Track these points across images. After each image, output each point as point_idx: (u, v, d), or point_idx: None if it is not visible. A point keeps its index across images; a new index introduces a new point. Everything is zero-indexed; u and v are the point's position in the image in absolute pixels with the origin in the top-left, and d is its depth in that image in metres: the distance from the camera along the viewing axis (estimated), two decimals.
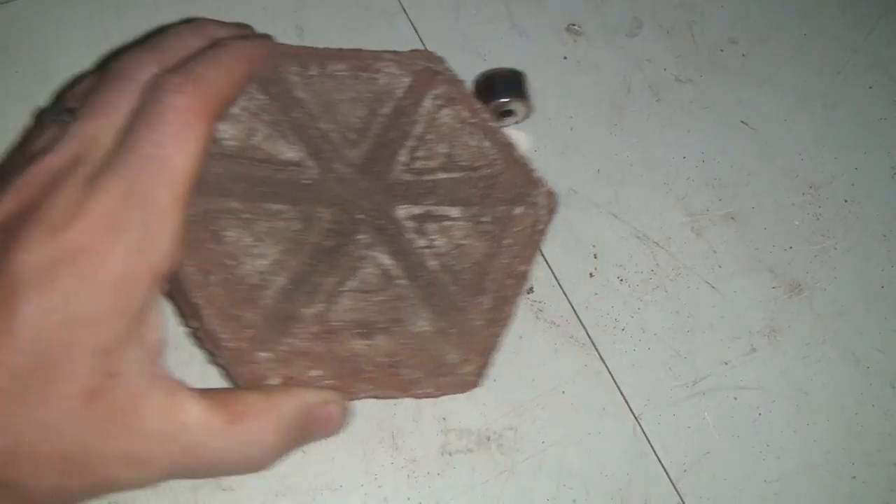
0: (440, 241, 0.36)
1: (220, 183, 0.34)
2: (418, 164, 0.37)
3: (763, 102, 0.50)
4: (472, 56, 0.48)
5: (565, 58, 0.49)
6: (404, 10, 0.49)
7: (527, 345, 0.42)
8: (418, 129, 0.38)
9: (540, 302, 0.43)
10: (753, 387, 0.43)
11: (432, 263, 0.36)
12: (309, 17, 0.48)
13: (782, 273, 0.46)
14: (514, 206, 0.38)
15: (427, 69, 0.39)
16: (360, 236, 0.35)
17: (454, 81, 0.39)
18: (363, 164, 0.37)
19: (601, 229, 0.45)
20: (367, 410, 0.39)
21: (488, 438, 0.40)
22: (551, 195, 0.38)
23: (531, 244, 0.37)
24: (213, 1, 0.47)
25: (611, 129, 0.47)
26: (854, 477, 0.42)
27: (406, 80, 0.38)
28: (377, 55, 0.38)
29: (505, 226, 0.37)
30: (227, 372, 0.32)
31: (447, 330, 0.35)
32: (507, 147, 0.39)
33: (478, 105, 0.39)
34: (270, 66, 0.36)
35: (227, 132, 0.35)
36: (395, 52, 0.39)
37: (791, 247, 0.46)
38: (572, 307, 0.43)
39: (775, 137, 0.49)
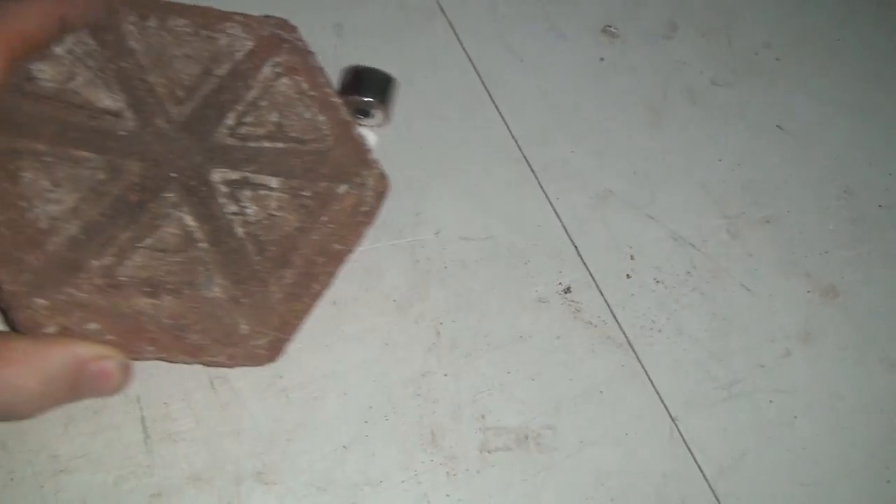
0: (252, 210, 0.35)
1: (27, 123, 0.33)
2: (244, 130, 0.37)
3: (797, 107, 0.50)
4: (510, 56, 0.48)
5: (602, 59, 0.49)
6: (442, 10, 0.49)
7: (564, 345, 0.42)
8: (252, 95, 0.37)
9: (577, 302, 0.43)
10: (789, 390, 0.43)
11: (239, 231, 0.35)
12: (348, 16, 0.48)
13: (817, 277, 0.46)
14: (339, 183, 0.37)
15: (274, 35, 0.38)
16: (167, 194, 0.34)
17: (301, 52, 0.38)
18: (186, 122, 0.36)
19: (638, 231, 0.45)
20: (406, 408, 0.40)
21: (526, 437, 0.40)
22: (382, 178, 0.38)
23: (352, 225, 0.37)
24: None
25: (648, 131, 0.48)
26: (889, 481, 0.42)
27: (248, 44, 0.38)
28: (225, 16, 0.38)
29: (325, 202, 0.36)
30: (4, 316, 0.32)
31: (240, 299, 0.34)
32: (344, 125, 0.38)
33: (322, 79, 0.38)
34: (104, 12, 0.35)
35: (46, 73, 0.34)
36: (245, 15, 0.38)
37: (826, 251, 0.46)
38: (609, 308, 0.43)
39: (810, 142, 0.49)
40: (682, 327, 0.44)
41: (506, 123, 0.46)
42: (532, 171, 0.46)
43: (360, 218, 0.37)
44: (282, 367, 0.39)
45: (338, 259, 0.36)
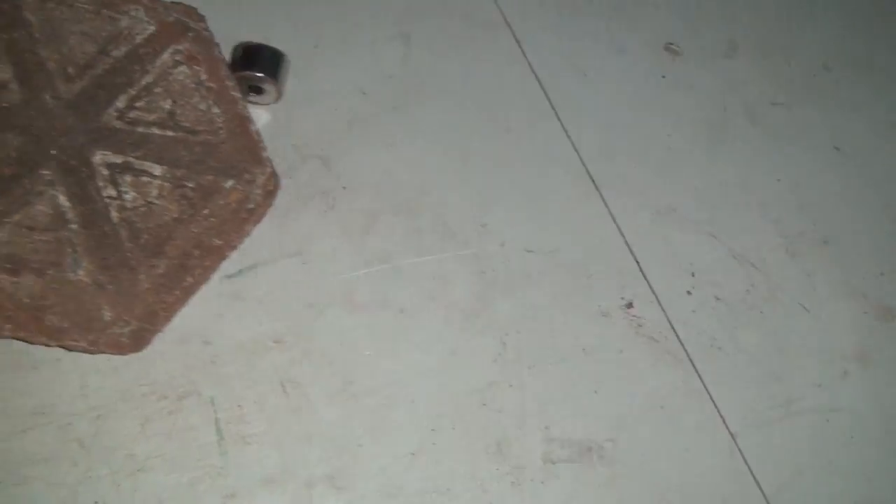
0: (130, 195, 0.35)
1: None
2: (134, 114, 0.36)
3: (855, 129, 0.50)
4: (574, 71, 0.49)
5: (664, 77, 0.50)
6: (508, 24, 0.49)
7: (627, 359, 0.43)
8: (147, 80, 0.37)
9: (639, 317, 0.44)
10: (846, 410, 0.44)
11: (114, 215, 0.34)
12: (414, 27, 0.48)
13: (874, 298, 0.46)
14: (226, 178, 0.36)
15: (178, 22, 0.38)
16: (44, 171, 0.34)
17: (205, 42, 0.38)
18: (74, 100, 0.35)
19: (698, 248, 0.46)
20: (472, 417, 0.40)
21: (590, 449, 0.41)
22: (272, 178, 0.37)
23: (235, 221, 0.36)
24: (319, 8, 0.47)
25: (708, 149, 0.48)
26: None
27: (150, 28, 0.37)
28: None
29: (208, 196, 0.36)
30: None
31: (106, 285, 0.33)
32: (240, 120, 0.37)
33: (224, 72, 0.38)
34: None
35: None
36: (152, 0, 0.38)
37: (882, 273, 0.47)
38: (670, 324, 0.44)
39: (867, 164, 0.50)
40: (741, 345, 0.44)
41: (569, 137, 0.47)
42: (595, 185, 0.46)
43: (245, 215, 0.36)
44: (352, 372, 0.39)
45: (216, 254, 0.36)
